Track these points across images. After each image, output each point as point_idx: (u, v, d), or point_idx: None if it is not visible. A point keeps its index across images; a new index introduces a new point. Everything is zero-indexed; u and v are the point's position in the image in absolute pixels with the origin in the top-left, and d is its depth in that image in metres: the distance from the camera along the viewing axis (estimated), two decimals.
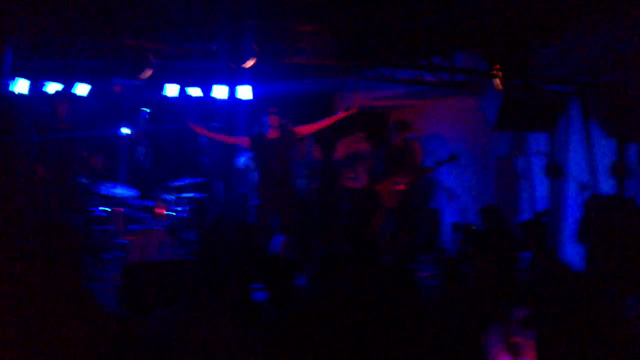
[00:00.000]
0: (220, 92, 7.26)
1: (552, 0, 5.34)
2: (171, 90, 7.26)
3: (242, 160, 8.64)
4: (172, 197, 8.07)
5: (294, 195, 7.56)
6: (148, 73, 5.72)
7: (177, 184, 8.11)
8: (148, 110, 6.79)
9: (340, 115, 7.42)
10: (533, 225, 5.51)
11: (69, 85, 6.85)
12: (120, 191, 7.57)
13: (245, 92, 7.24)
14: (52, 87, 6.81)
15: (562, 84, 6.98)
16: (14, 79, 6.53)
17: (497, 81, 6.34)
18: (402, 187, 8.11)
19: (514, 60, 6.23)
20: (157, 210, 7.70)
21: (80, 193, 7.22)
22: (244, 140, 7.50)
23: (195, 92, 7.36)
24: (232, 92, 7.29)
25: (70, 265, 2.16)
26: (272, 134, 7.27)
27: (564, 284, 4.07)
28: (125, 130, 7.14)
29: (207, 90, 7.36)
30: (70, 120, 6.62)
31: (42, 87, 6.73)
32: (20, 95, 6.52)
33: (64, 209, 6.30)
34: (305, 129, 7.47)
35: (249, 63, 5.46)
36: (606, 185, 6.84)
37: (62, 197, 6.43)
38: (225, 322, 2.34)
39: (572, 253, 6.84)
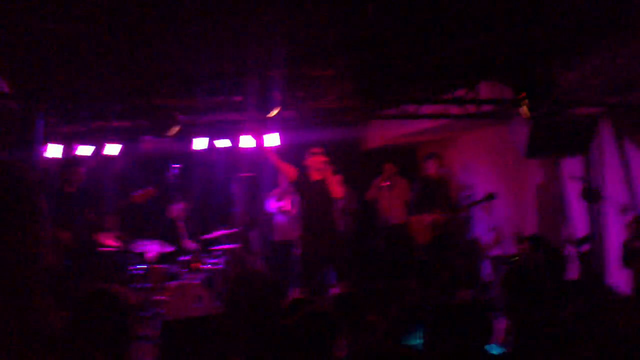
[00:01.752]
0: (247, 141, 7.29)
1: (572, 23, 5.31)
2: (199, 143, 7.34)
3: (272, 202, 8.61)
4: (207, 249, 8.09)
5: (340, 238, 7.24)
6: (175, 130, 5.80)
7: (211, 236, 8.12)
8: (178, 166, 6.84)
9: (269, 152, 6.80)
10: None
11: (99, 147, 7.00)
12: (155, 247, 7.60)
13: (272, 140, 7.23)
14: (84, 150, 6.96)
15: (590, 105, 6.87)
16: (46, 145, 6.72)
17: (524, 109, 6.27)
18: (438, 221, 8.02)
19: (538, 86, 6.16)
20: (193, 265, 7.69)
21: (108, 255, 7.27)
22: (291, 171, 6.84)
23: (223, 143, 7.42)
24: (259, 141, 7.30)
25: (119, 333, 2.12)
26: (316, 176, 6.80)
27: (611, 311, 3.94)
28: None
29: (234, 140, 7.41)
30: (83, 184, 6.69)
31: (74, 150, 6.89)
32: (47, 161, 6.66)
33: (94, 274, 6.31)
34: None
35: (274, 112, 5.49)
36: None
37: (87, 260, 6.44)
38: None
39: (618, 278, 6.63)
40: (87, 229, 6.71)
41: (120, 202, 6.98)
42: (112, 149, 7.05)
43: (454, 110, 7.11)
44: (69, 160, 6.73)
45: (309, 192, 6.79)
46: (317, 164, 6.75)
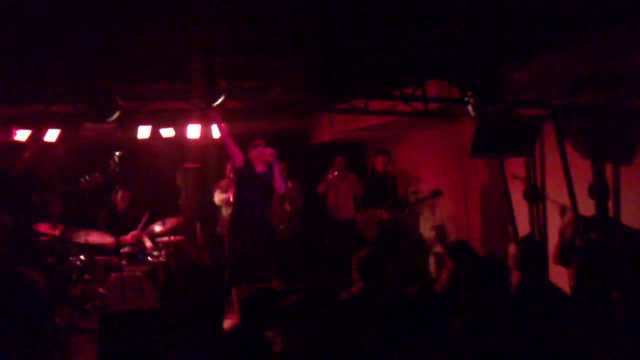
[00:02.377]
0: (193, 131, 7.17)
1: (520, 26, 5.38)
2: (143, 132, 7.18)
3: (218, 194, 8.49)
4: (149, 241, 7.93)
5: (272, 235, 7.20)
6: (116, 116, 5.63)
7: (154, 227, 7.95)
8: (119, 154, 6.66)
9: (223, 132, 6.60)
10: (528, 244, 5.43)
11: (39, 132, 6.76)
12: (96, 238, 7.40)
13: (217, 131, 7.13)
14: (22, 134, 6.70)
15: (535, 107, 6.99)
16: None
17: (470, 108, 6.33)
18: (384, 217, 8.05)
19: (485, 86, 6.23)
20: (135, 256, 7.52)
21: (49, 243, 7.04)
22: (240, 157, 6.65)
23: (168, 132, 7.28)
24: (205, 131, 7.18)
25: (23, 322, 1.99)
26: (260, 167, 6.68)
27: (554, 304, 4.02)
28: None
29: (179, 130, 7.28)
30: (28, 167, 6.45)
31: (12, 135, 6.63)
32: None
33: (33, 259, 6.09)
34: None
35: (218, 101, 5.37)
36: (586, 207, 6.81)
37: (28, 246, 6.21)
38: None
39: (556, 276, 6.77)
40: (30, 215, 6.47)
41: (65, 188, 6.76)
42: (52, 135, 6.82)
43: (402, 107, 7.13)
44: (13, 144, 6.48)
45: (250, 183, 6.67)
46: (261, 155, 6.63)
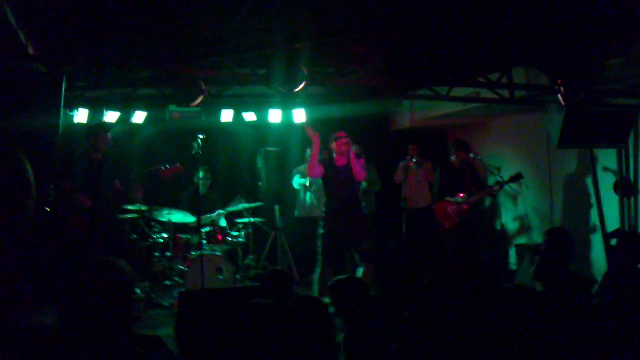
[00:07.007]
0: (274, 116, 7.28)
1: (614, 10, 5.08)
2: (226, 116, 7.33)
3: (297, 178, 8.56)
4: (229, 222, 8.09)
5: (366, 221, 7.21)
6: (200, 100, 5.74)
7: (234, 208, 8.12)
8: (202, 136, 6.83)
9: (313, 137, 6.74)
10: (630, 236, 5.18)
11: (127, 114, 7.00)
12: (178, 217, 7.62)
13: (298, 116, 7.20)
14: (111, 116, 6.97)
15: (629, 96, 6.62)
16: (74, 109, 6.74)
17: (560, 96, 6.05)
18: (463, 207, 7.87)
19: (576, 74, 5.93)
20: (215, 236, 7.70)
21: (131, 223, 7.30)
22: (319, 170, 6.85)
23: (249, 116, 7.41)
24: (285, 115, 7.27)
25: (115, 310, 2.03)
26: (340, 160, 6.80)
27: None
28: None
29: (260, 114, 7.39)
30: (109, 151, 6.72)
31: (101, 116, 6.90)
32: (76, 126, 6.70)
33: (113, 240, 6.33)
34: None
35: (300, 87, 5.38)
36: None
37: (109, 228, 6.45)
38: None
39: None
40: (111, 198, 6.73)
41: (147, 175, 6.99)
42: (139, 117, 7.07)
43: (486, 94, 6.92)
44: (96, 126, 6.76)
45: (333, 176, 6.79)
46: (340, 147, 6.73)
